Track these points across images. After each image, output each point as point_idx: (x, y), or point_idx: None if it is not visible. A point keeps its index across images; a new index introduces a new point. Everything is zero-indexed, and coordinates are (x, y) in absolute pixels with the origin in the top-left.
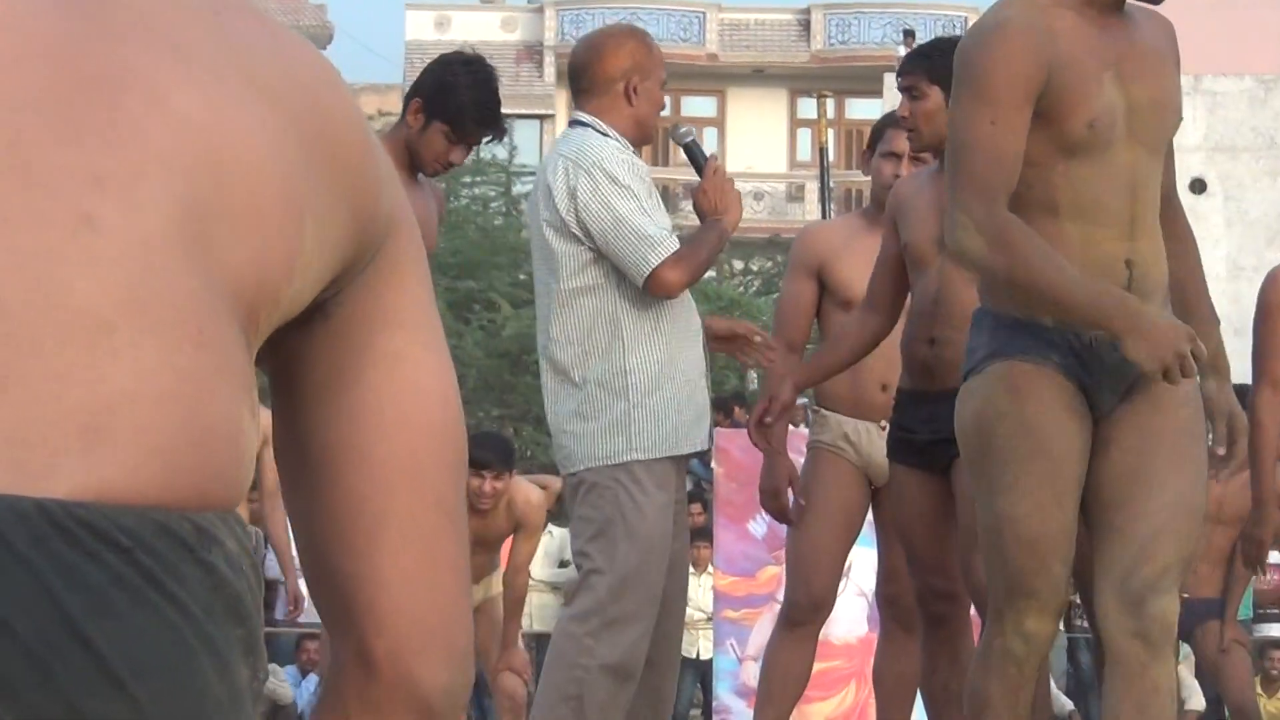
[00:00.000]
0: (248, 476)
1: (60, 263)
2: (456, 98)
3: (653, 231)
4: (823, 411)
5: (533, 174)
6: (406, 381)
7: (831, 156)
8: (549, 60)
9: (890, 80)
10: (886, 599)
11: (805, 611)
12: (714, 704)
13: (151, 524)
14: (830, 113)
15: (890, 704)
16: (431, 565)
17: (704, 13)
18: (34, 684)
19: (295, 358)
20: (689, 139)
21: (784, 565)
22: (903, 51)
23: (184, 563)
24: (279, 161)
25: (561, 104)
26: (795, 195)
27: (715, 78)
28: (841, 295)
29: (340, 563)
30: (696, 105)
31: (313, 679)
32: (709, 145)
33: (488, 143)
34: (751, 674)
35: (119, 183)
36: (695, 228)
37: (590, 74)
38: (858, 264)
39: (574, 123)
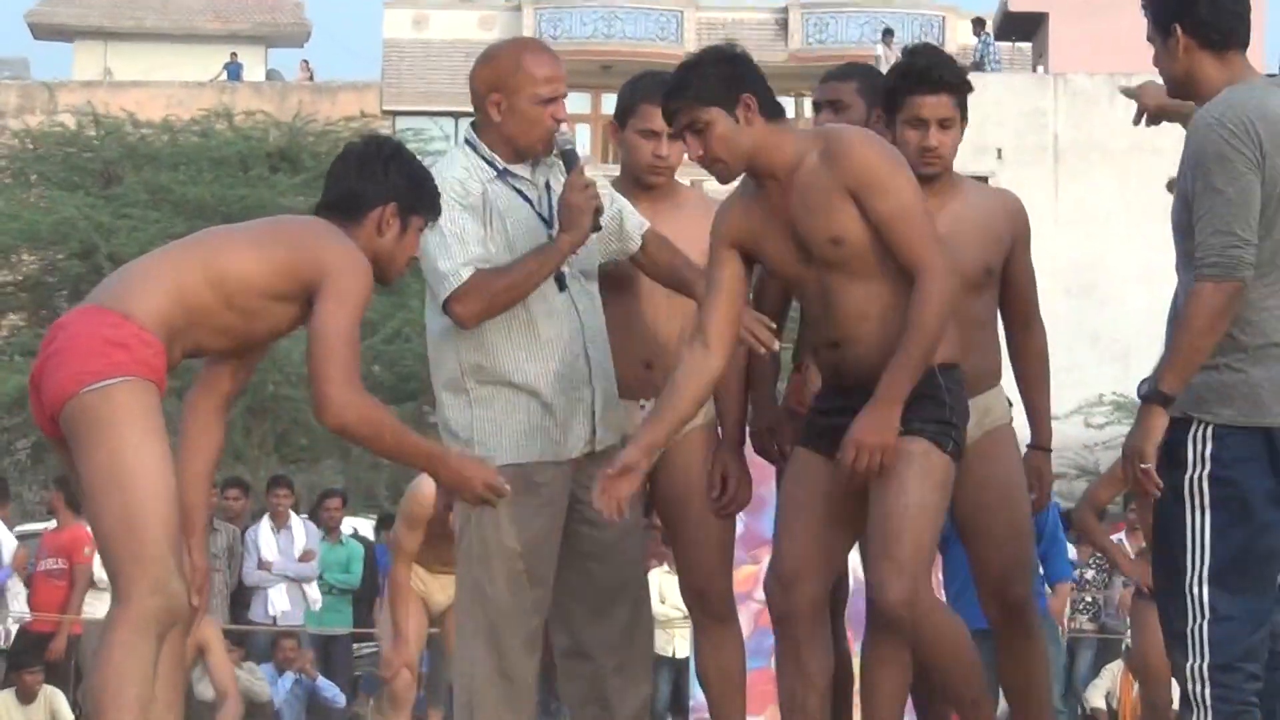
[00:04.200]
0: None
1: None
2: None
3: (442, 267)
4: None
5: None
6: None
7: None
8: None
9: None
10: (693, 593)
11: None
12: (690, 703)
13: None
14: (808, 112)
15: (721, 699)
16: None
17: (681, 12)
18: None
19: None
20: (567, 146)
21: (760, 564)
22: (881, 50)
23: None
24: None
25: None
26: None
27: None
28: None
29: None
30: None
31: (289, 677)
32: None
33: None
34: None
35: None
36: None
37: (470, 91)
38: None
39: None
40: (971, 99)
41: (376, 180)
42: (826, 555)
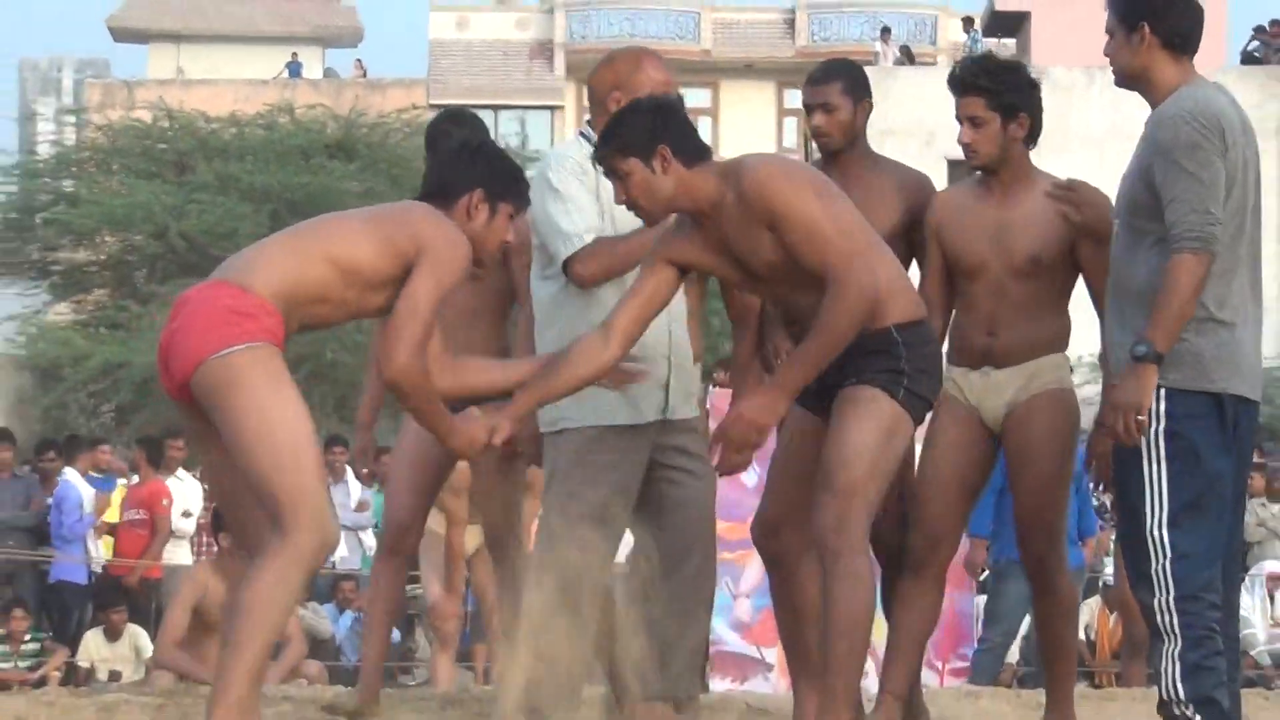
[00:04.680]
0: None
1: None
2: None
3: (566, 227)
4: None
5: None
6: None
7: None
8: (559, 56)
9: (870, 73)
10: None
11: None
12: (709, 635)
13: None
14: None
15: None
16: None
17: (698, 12)
18: None
19: None
20: None
21: None
22: (879, 46)
23: None
24: None
25: (570, 97)
26: None
27: (709, 72)
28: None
29: None
30: (691, 97)
31: (349, 615)
32: (703, 135)
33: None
34: (745, 609)
35: None
36: None
37: (589, 90)
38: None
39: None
40: None
41: (464, 169)
42: (807, 504)
